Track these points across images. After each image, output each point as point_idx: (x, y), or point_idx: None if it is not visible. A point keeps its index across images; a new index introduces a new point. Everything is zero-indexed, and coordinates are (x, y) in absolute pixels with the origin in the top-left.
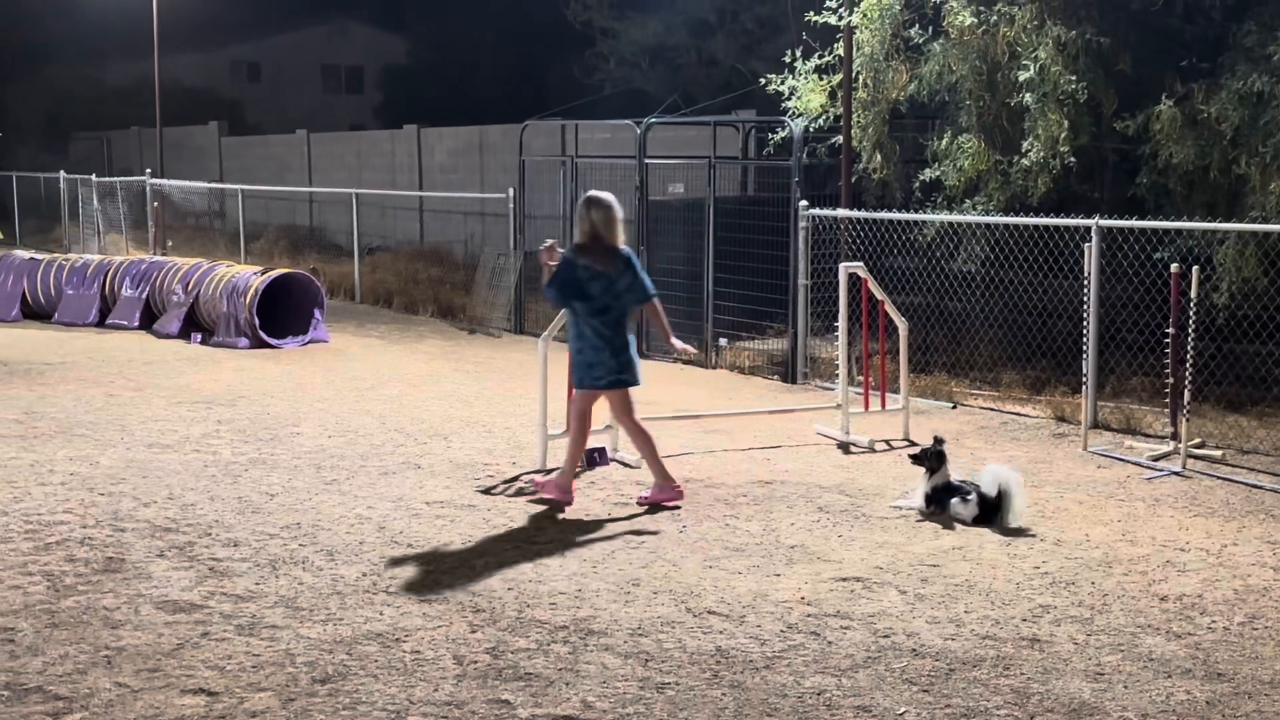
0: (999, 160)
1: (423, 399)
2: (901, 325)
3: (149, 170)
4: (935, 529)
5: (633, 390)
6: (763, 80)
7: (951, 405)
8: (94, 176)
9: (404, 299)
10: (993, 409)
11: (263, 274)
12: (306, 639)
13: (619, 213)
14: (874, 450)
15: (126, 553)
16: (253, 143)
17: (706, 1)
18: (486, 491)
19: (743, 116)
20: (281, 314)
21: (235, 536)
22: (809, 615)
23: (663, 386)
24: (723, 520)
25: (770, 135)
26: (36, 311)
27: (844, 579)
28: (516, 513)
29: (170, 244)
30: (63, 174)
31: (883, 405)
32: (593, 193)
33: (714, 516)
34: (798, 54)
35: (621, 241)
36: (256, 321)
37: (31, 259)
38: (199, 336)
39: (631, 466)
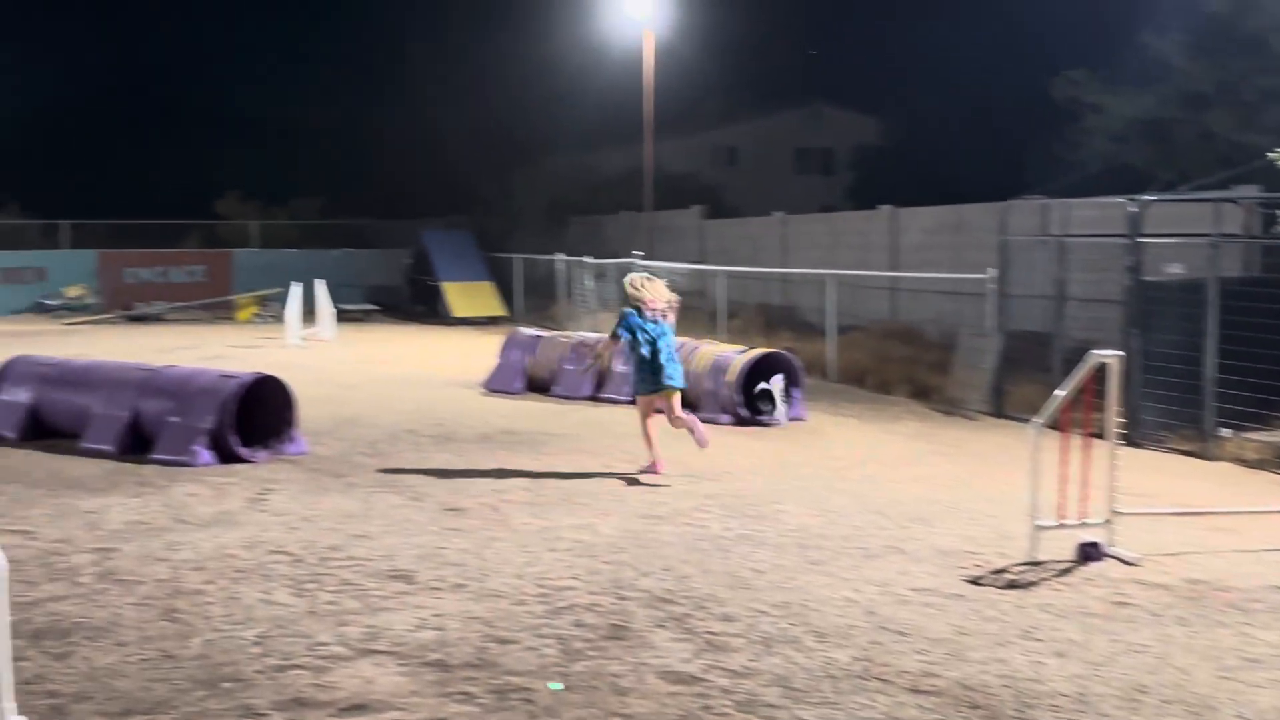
0: None
1: (900, 480)
2: None
3: (639, 252)
4: None
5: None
6: (1269, 154)
7: None
8: (587, 258)
9: (877, 378)
10: None
11: (745, 353)
12: None
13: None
14: None
15: (629, 621)
16: (731, 224)
17: (1203, 74)
18: (974, 581)
19: (1243, 191)
20: (761, 391)
21: (729, 611)
22: None
23: (1159, 478)
24: (1236, 627)
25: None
26: (537, 385)
27: None
28: (1007, 606)
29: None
30: (559, 255)
31: None
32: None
33: (1226, 623)
34: None
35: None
36: (740, 399)
37: (536, 336)
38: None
39: (1129, 563)
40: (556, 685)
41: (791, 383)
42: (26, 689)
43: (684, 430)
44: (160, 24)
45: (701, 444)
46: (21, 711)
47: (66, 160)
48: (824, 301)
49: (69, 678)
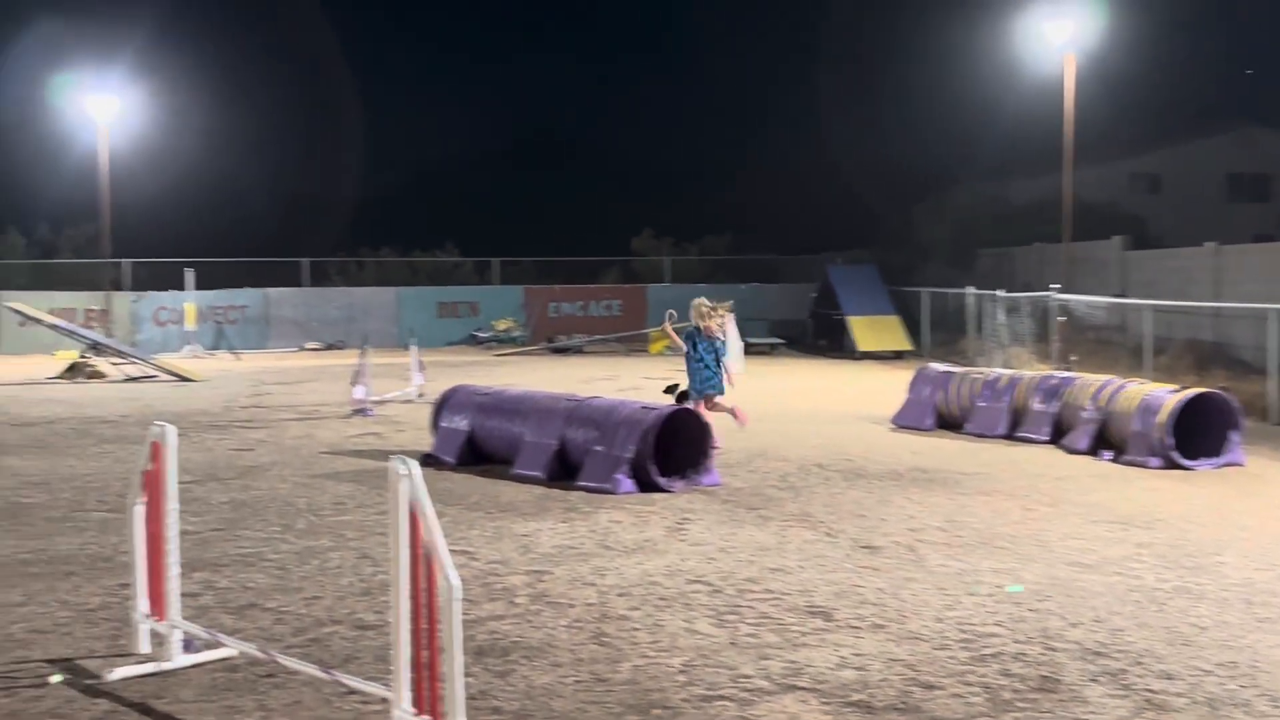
0: None
1: None
2: None
3: (1056, 286)
4: None
5: None
6: None
7: None
8: (999, 292)
9: None
10: None
11: (1178, 393)
12: None
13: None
14: None
15: (1059, 672)
16: (1156, 256)
17: None
18: None
19: None
20: (1193, 434)
21: (1168, 668)
22: None
23: None
24: None
25: None
26: (948, 422)
27: None
28: None
29: (1074, 358)
30: (969, 289)
31: None
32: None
33: None
34: None
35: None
36: (1171, 441)
37: (946, 372)
38: (1108, 454)
39: None
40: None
41: (1229, 425)
42: (472, 704)
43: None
44: (581, 76)
45: (742, 422)
46: None
47: (497, 202)
48: (1263, 338)
49: (510, 695)
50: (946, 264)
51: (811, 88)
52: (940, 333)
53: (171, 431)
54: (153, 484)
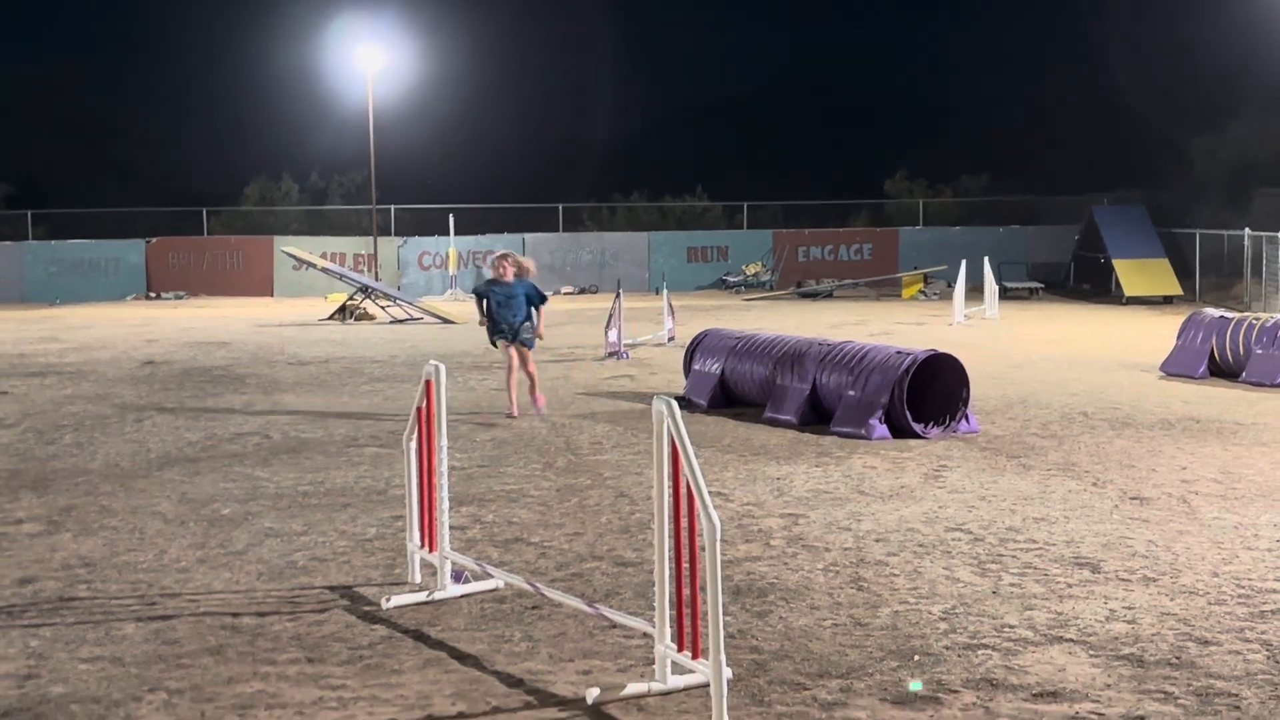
0: None
1: None
2: None
3: None
4: None
5: None
6: None
7: None
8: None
9: None
10: None
11: None
12: None
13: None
14: None
15: None
16: None
17: None
18: None
19: None
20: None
21: None
22: None
23: None
24: None
25: None
26: (1221, 370)
27: None
28: None
29: None
30: (1246, 231)
31: None
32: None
33: None
34: None
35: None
36: None
37: (1221, 317)
38: None
39: None
40: (916, 685)
41: None
42: (731, 642)
43: None
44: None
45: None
46: (728, 664)
47: (746, 146)
48: None
49: (768, 635)
50: (1220, 204)
51: (1073, 12)
52: (1213, 277)
53: (444, 370)
54: (426, 420)
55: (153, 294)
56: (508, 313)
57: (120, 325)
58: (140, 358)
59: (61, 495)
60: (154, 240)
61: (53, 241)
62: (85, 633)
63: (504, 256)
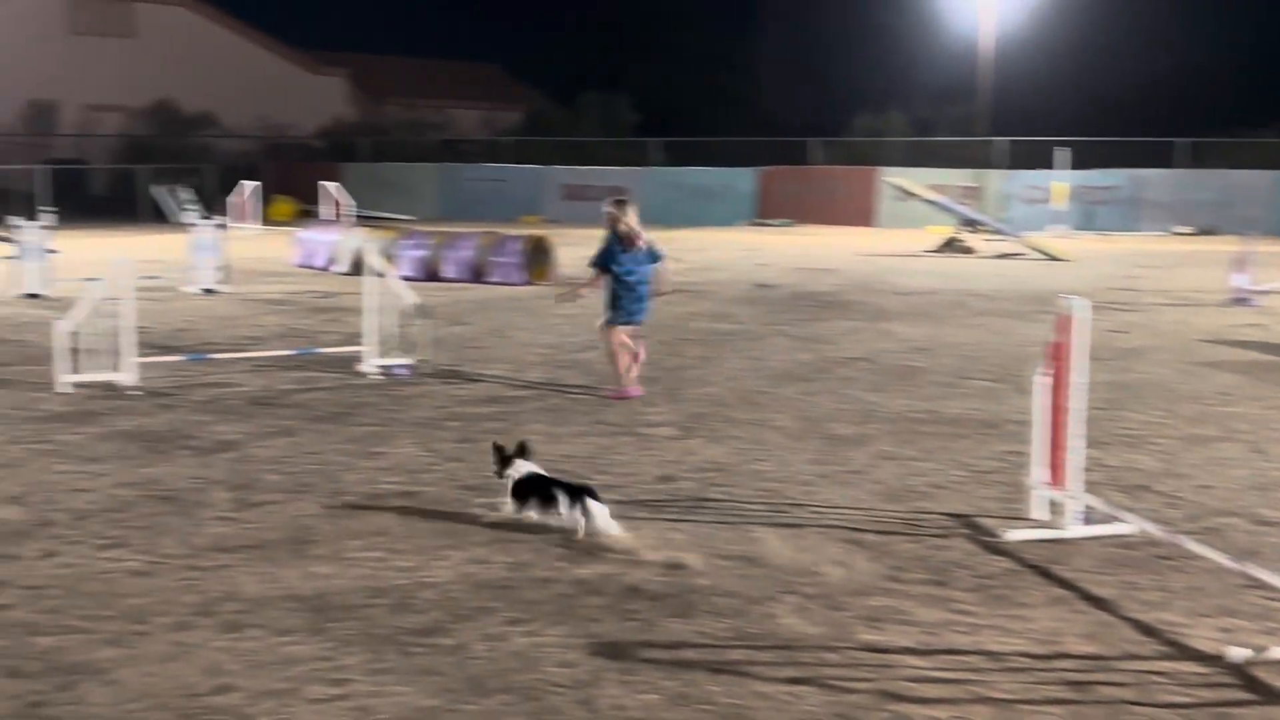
0: None
1: None
2: None
3: None
4: None
5: None
6: None
7: None
8: None
9: None
10: None
11: None
12: None
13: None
14: None
15: None
16: None
17: None
18: None
19: None
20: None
21: None
22: None
23: None
24: None
25: None
26: None
27: None
28: None
29: None
30: None
31: None
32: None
33: None
34: None
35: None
36: None
37: None
38: None
39: None
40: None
41: None
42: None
43: None
44: None
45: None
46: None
47: None
48: None
49: None
50: None
51: None
52: None
53: (1082, 305)
54: (1059, 356)
55: (760, 220)
56: (639, 301)
57: (733, 249)
58: (753, 280)
59: (691, 404)
60: (766, 169)
61: (674, 168)
62: (720, 531)
63: (621, 203)
